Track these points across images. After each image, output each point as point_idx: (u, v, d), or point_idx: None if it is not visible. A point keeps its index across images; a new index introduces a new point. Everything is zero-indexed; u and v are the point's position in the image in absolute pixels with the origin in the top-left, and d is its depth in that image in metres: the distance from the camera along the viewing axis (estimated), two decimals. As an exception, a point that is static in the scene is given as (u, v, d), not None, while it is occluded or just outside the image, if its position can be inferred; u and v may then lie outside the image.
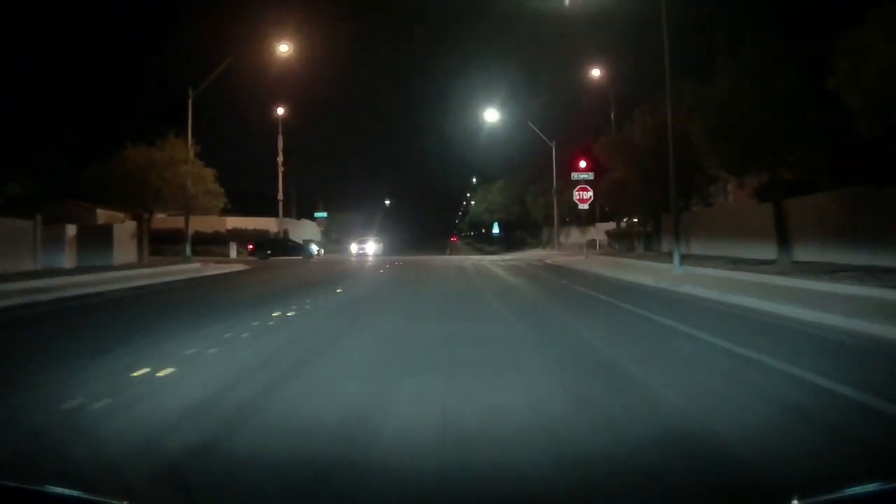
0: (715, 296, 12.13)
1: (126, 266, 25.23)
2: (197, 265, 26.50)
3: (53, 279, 17.53)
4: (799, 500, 2.20)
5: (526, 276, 21.02)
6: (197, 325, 9.14)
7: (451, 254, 53.81)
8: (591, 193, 28.93)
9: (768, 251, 18.65)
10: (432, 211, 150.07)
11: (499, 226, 73.21)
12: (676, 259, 18.36)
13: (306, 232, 53.26)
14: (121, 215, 32.51)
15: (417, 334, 8.23)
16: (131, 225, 30.47)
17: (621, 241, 35.71)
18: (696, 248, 25.71)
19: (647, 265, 21.88)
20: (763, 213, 19.18)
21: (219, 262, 32.73)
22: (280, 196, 47.27)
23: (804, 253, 17.97)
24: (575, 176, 31.20)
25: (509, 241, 67.51)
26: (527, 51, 77.06)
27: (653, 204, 27.47)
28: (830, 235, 17.31)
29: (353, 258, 42.10)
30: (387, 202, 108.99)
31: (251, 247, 41.91)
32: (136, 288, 16.57)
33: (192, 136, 29.15)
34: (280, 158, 47.12)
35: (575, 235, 48.10)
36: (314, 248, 43.70)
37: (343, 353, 6.96)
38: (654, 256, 26.28)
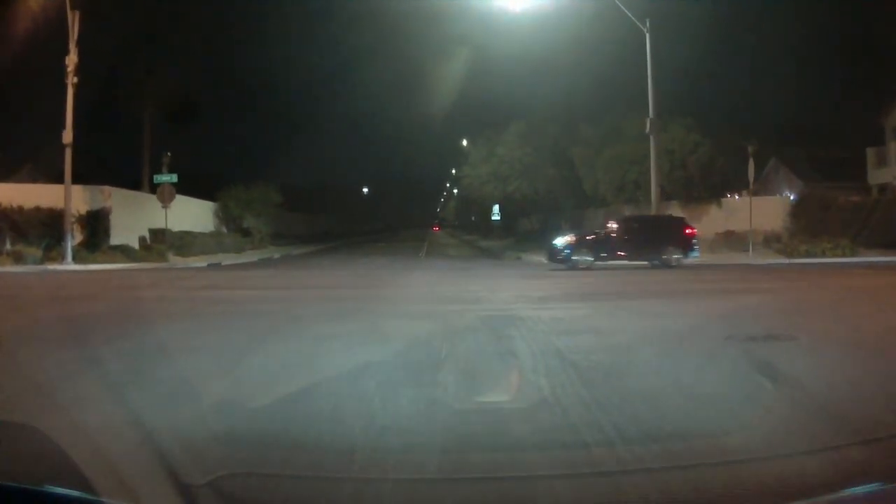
0: None
1: None
2: None
3: None
4: (799, 500, 2.22)
5: None
6: None
7: (427, 255, 31.21)
8: None
9: None
10: (417, 201, 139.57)
11: (499, 208, 45.10)
12: None
13: (139, 213, 27.04)
14: None
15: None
16: None
17: None
18: None
19: None
20: None
21: None
22: (67, 139, 21.32)
23: None
24: None
25: (520, 233, 42.09)
26: None
27: None
28: None
29: None
30: (364, 190, 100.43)
31: None
32: None
33: None
34: (70, 60, 20.69)
35: None
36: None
37: None
38: None
